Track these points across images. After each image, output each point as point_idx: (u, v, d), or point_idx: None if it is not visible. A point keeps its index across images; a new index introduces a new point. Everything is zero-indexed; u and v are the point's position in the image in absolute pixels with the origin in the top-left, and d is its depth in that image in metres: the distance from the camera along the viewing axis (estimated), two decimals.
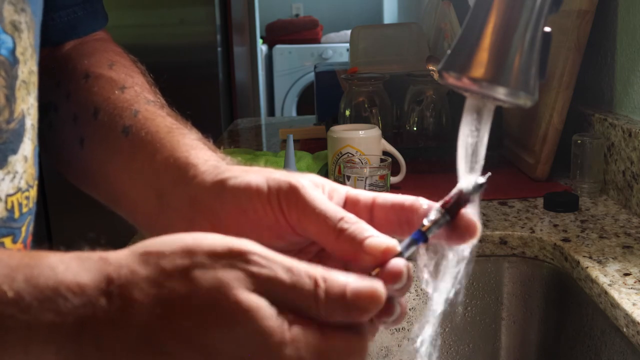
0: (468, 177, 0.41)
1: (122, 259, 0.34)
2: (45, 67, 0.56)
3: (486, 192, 0.41)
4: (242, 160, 0.50)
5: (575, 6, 1.14)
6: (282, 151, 1.43)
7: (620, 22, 1.13)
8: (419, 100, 1.37)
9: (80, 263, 0.34)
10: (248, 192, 0.42)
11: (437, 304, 0.40)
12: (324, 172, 1.30)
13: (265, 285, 0.34)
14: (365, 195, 0.43)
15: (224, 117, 2.72)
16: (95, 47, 0.64)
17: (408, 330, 0.99)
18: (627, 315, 0.72)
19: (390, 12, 4.28)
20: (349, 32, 2.09)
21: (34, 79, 0.52)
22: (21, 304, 0.32)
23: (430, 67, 1.35)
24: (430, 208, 0.41)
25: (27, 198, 0.51)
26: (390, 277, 0.36)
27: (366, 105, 1.40)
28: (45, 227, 2.46)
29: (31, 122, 0.51)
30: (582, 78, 1.20)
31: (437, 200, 0.41)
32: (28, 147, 0.50)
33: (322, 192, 0.43)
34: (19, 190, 0.49)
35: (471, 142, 0.41)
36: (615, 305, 0.74)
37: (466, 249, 0.40)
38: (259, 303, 0.33)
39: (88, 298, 0.33)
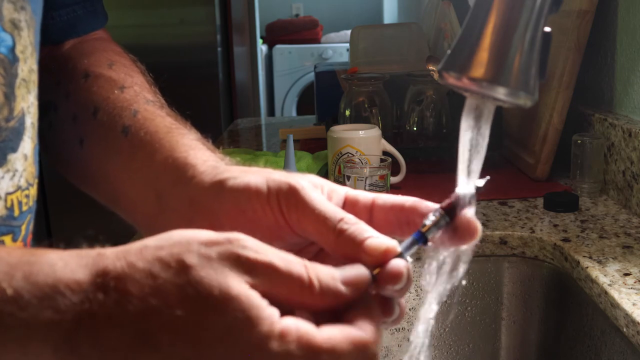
0: (468, 178, 0.41)
1: (119, 253, 0.34)
2: (44, 66, 0.56)
3: (486, 192, 0.41)
4: (241, 160, 0.50)
5: (575, 6, 1.14)
6: (282, 151, 1.43)
7: (620, 22, 1.13)
8: (419, 100, 1.37)
9: (79, 260, 0.34)
10: (247, 193, 0.42)
11: (434, 305, 0.40)
12: (324, 172, 1.30)
13: (259, 271, 0.34)
14: (364, 196, 0.43)
15: (224, 117, 2.72)
16: (95, 47, 0.64)
17: (408, 330, 0.99)
18: (627, 315, 0.72)
19: (390, 12, 4.28)
20: (349, 32, 2.09)
21: (34, 77, 0.52)
22: (20, 301, 0.32)
23: (430, 67, 1.35)
24: (430, 209, 0.41)
25: (27, 196, 0.51)
26: (391, 278, 0.36)
27: (366, 105, 1.40)
28: (45, 226, 2.46)
29: (31, 120, 0.51)
30: (582, 78, 1.20)
31: (437, 201, 0.41)
32: (28, 145, 0.50)
33: (321, 192, 0.43)
34: (18, 188, 0.49)
35: (471, 142, 0.41)
36: (615, 305, 0.74)
37: (466, 249, 0.40)
38: (249, 292, 0.33)
39: (85, 294, 0.33)
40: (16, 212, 0.49)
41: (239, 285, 0.33)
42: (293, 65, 4.51)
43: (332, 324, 0.34)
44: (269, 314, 0.33)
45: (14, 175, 0.49)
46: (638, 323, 0.70)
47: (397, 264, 0.37)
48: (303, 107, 4.45)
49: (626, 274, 0.80)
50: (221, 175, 0.44)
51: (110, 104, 0.56)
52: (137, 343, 0.32)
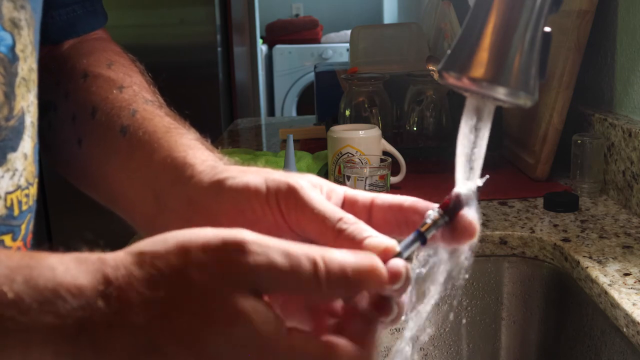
0: (467, 178, 0.41)
1: (118, 260, 0.34)
2: (44, 65, 0.56)
3: (486, 192, 0.41)
4: (240, 160, 0.50)
5: (575, 6, 1.14)
6: (282, 151, 1.43)
7: (620, 22, 1.13)
8: (419, 100, 1.37)
9: (79, 264, 0.34)
10: (246, 193, 0.42)
11: (432, 304, 0.40)
12: (324, 172, 1.30)
13: (262, 275, 0.33)
14: (363, 195, 0.43)
15: (224, 117, 2.72)
16: (94, 46, 0.64)
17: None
18: (627, 315, 0.72)
19: (390, 12, 4.28)
20: (349, 32, 2.09)
21: (34, 76, 0.52)
22: (21, 305, 0.32)
23: (430, 67, 1.35)
24: (429, 209, 0.41)
25: (27, 196, 0.51)
26: (390, 278, 0.36)
27: (366, 105, 1.40)
28: (45, 225, 2.46)
29: (31, 119, 0.51)
30: (582, 78, 1.20)
31: (436, 201, 0.41)
32: (28, 144, 0.50)
33: (320, 192, 0.43)
34: (18, 187, 0.49)
35: (471, 142, 0.41)
36: (615, 305, 0.74)
37: (465, 249, 0.40)
38: (255, 306, 0.33)
39: (86, 300, 0.32)
40: (16, 212, 0.49)
41: (241, 298, 0.33)
42: (293, 65, 4.51)
43: (337, 338, 0.35)
44: (275, 329, 0.33)
45: (13, 174, 0.49)
46: (638, 323, 0.70)
47: (396, 263, 0.37)
48: (303, 107, 4.45)
49: (626, 274, 0.80)
50: (220, 175, 0.44)
51: (109, 104, 0.56)
52: (139, 351, 0.32)
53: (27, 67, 0.50)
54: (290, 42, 4.62)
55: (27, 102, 0.50)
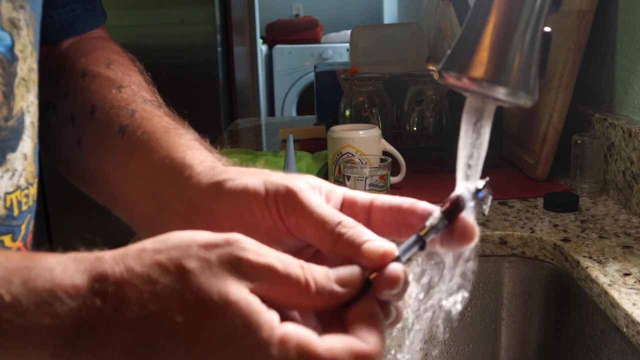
0: (467, 180, 0.41)
1: (117, 257, 0.34)
2: (43, 65, 0.56)
3: (489, 193, 0.41)
4: (240, 160, 0.50)
5: (575, 6, 1.14)
6: (282, 151, 1.43)
7: (620, 22, 1.13)
8: (419, 100, 1.36)
9: (77, 264, 0.34)
10: (245, 195, 0.42)
11: (430, 308, 0.40)
12: (324, 172, 1.30)
13: (258, 273, 0.34)
14: (362, 197, 0.43)
15: (224, 117, 2.72)
16: (93, 45, 0.64)
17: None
18: (627, 315, 0.71)
19: (390, 12, 4.28)
20: (349, 32, 2.09)
21: (34, 76, 0.52)
22: (18, 307, 0.32)
23: (430, 67, 1.35)
24: (428, 211, 0.41)
25: (27, 196, 0.51)
26: (388, 282, 0.36)
27: (366, 105, 1.40)
28: (45, 225, 2.46)
29: (31, 119, 0.51)
30: (582, 78, 1.20)
31: (436, 202, 0.41)
32: (27, 144, 0.50)
33: (319, 194, 0.42)
34: (18, 188, 0.49)
35: (471, 142, 0.41)
36: (615, 305, 0.74)
37: (464, 252, 0.40)
38: (248, 298, 0.33)
39: (83, 299, 0.32)
40: (15, 212, 0.49)
41: (238, 291, 0.33)
42: (293, 65, 4.51)
43: (334, 333, 0.34)
44: (269, 319, 0.33)
45: (13, 174, 0.49)
46: (638, 323, 0.69)
47: (394, 268, 0.36)
48: (303, 107, 4.45)
49: (626, 274, 0.80)
50: (219, 177, 0.44)
51: (108, 104, 0.56)
52: (136, 349, 0.32)
53: (27, 67, 0.50)
54: (290, 42, 4.62)
55: (27, 103, 0.50)
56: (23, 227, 0.51)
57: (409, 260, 0.39)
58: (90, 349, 0.32)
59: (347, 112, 1.41)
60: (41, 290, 0.32)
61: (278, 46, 4.58)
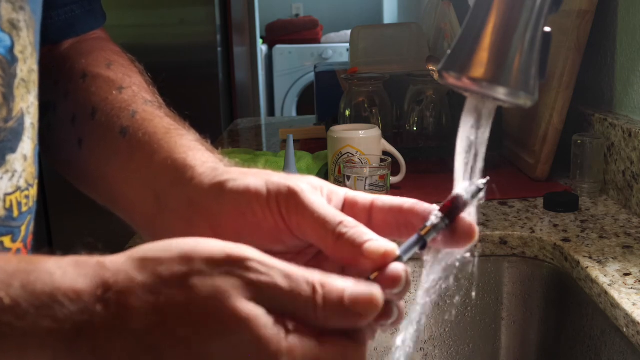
0: (467, 180, 0.41)
1: (119, 265, 0.34)
2: (43, 65, 0.56)
3: (486, 192, 0.41)
4: (240, 160, 0.50)
5: (575, 6, 1.14)
6: (282, 151, 1.43)
7: (620, 22, 1.13)
8: (419, 100, 1.36)
9: (77, 268, 0.34)
10: (247, 195, 0.42)
11: (428, 305, 0.40)
12: (324, 172, 1.30)
13: (263, 292, 0.34)
14: (363, 197, 0.43)
15: (224, 117, 2.72)
16: (93, 46, 0.64)
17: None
18: (627, 315, 0.71)
19: (390, 12, 4.28)
20: (349, 32, 2.09)
21: (34, 77, 0.52)
22: (18, 310, 0.32)
23: (430, 67, 1.35)
24: (428, 211, 0.41)
25: (27, 197, 0.51)
26: (389, 282, 0.36)
27: (366, 105, 1.40)
28: (46, 226, 2.46)
29: (31, 121, 0.51)
30: (582, 78, 1.20)
31: (436, 201, 0.41)
32: (27, 146, 0.50)
33: (320, 194, 0.43)
34: (18, 189, 0.49)
35: (471, 142, 0.41)
36: (615, 305, 0.74)
37: (465, 252, 0.40)
38: (255, 312, 0.33)
39: (85, 304, 0.32)
40: (15, 213, 0.49)
41: (244, 306, 0.33)
42: (293, 65, 4.51)
43: (335, 337, 0.34)
44: (276, 334, 0.33)
45: (13, 175, 0.49)
46: (638, 323, 0.69)
47: (396, 267, 0.37)
48: (303, 107, 4.45)
49: (626, 274, 0.80)
50: (220, 177, 0.44)
51: (109, 105, 0.56)
52: (139, 356, 0.32)
53: (27, 68, 0.50)
54: (290, 42, 4.62)
55: (27, 104, 0.50)
56: (23, 228, 0.51)
57: (410, 259, 0.39)
58: (93, 351, 0.32)
59: (347, 112, 1.41)
60: (41, 294, 0.32)
61: (278, 46, 4.58)
